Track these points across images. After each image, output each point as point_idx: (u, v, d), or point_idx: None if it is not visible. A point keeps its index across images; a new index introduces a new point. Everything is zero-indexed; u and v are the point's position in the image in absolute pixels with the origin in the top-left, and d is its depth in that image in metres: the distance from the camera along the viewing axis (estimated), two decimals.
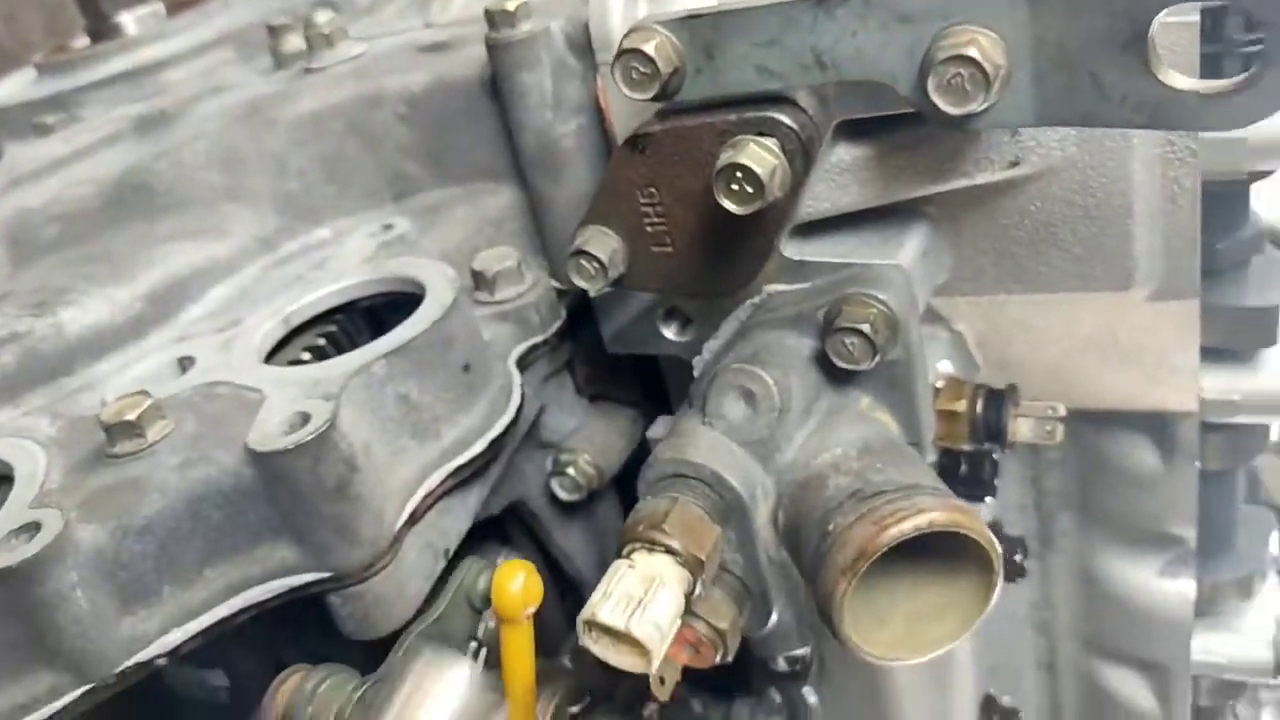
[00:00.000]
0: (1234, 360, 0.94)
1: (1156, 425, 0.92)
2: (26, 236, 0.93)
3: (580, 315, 0.91)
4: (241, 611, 0.68)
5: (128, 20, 1.24)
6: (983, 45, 0.58)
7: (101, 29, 1.25)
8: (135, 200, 0.92)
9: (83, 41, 1.30)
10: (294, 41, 1.12)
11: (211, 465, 0.66)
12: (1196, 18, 0.67)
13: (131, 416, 0.67)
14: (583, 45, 0.87)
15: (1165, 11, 0.55)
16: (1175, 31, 0.67)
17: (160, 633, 0.66)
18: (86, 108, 1.14)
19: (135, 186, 0.92)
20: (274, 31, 1.14)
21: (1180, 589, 1.02)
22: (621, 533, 0.66)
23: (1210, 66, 0.74)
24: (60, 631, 0.63)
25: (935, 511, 0.61)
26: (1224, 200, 0.89)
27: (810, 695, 0.96)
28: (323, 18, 0.99)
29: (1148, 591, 1.03)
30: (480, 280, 0.85)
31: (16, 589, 0.61)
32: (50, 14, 1.93)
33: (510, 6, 0.84)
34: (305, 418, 0.66)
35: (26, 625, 0.62)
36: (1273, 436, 1.05)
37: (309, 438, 0.64)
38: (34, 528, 0.62)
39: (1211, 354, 0.92)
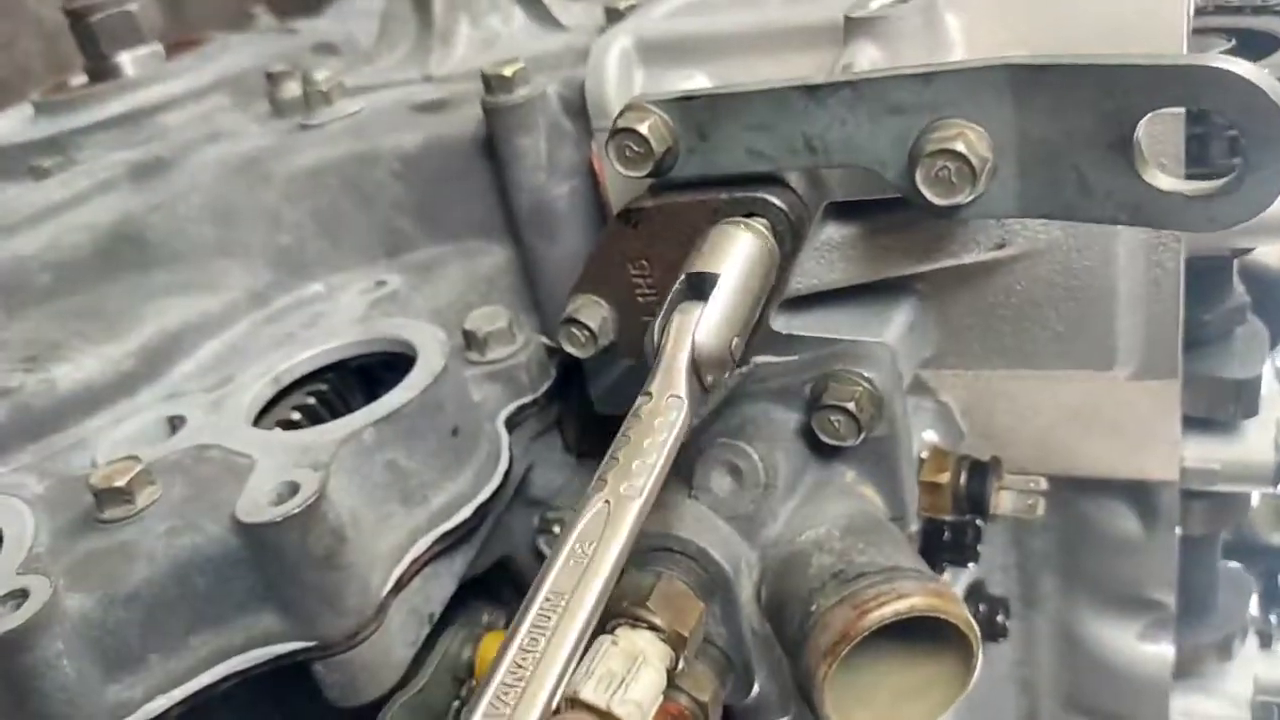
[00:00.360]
0: (1216, 429, 0.95)
1: (1138, 493, 0.93)
2: (20, 284, 0.93)
3: (570, 373, 0.92)
4: (226, 679, 0.68)
5: (126, 60, 1.24)
6: (970, 140, 0.59)
7: (100, 69, 1.25)
8: (129, 252, 0.92)
9: (80, 79, 1.30)
10: (292, 89, 1.13)
11: (199, 534, 0.66)
12: (1182, 110, 0.69)
13: (121, 483, 0.67)
14: (578, 108, 0.88)
15: None
16: (1162, 121, 0.69)
17: (145, 700, 0.66)
18: (83, 150, 1.14)
19: (129, 238, 0.92)
20: (272, 79, 1.14)
21: (1159, 652, 1.03)
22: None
23: (1198, 146, 0.76)
24: (45, 699, 0.63)
25: (916, 596, 0.62)
26: (1209, 274, 0.91)
27: None
28: (321, 74, 1.00)
29: (1128, 653, 1.04)
30: (471, 340, 0.86)
31: (1, 656, 0.61)
32: (49, 42, 1.94)
33: (507, 72, 0.85)
34: (294, 488, 0.66)
35: (11, 692, 0.62)
36: (1254, 503, 1.06)
37: (297, 510, 0.64)
38: (21, 595, 0.62)
39: (1194, 423, 0.93)
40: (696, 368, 0.60)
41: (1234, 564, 1.22)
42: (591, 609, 0.50)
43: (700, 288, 0.62)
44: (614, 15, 1.01)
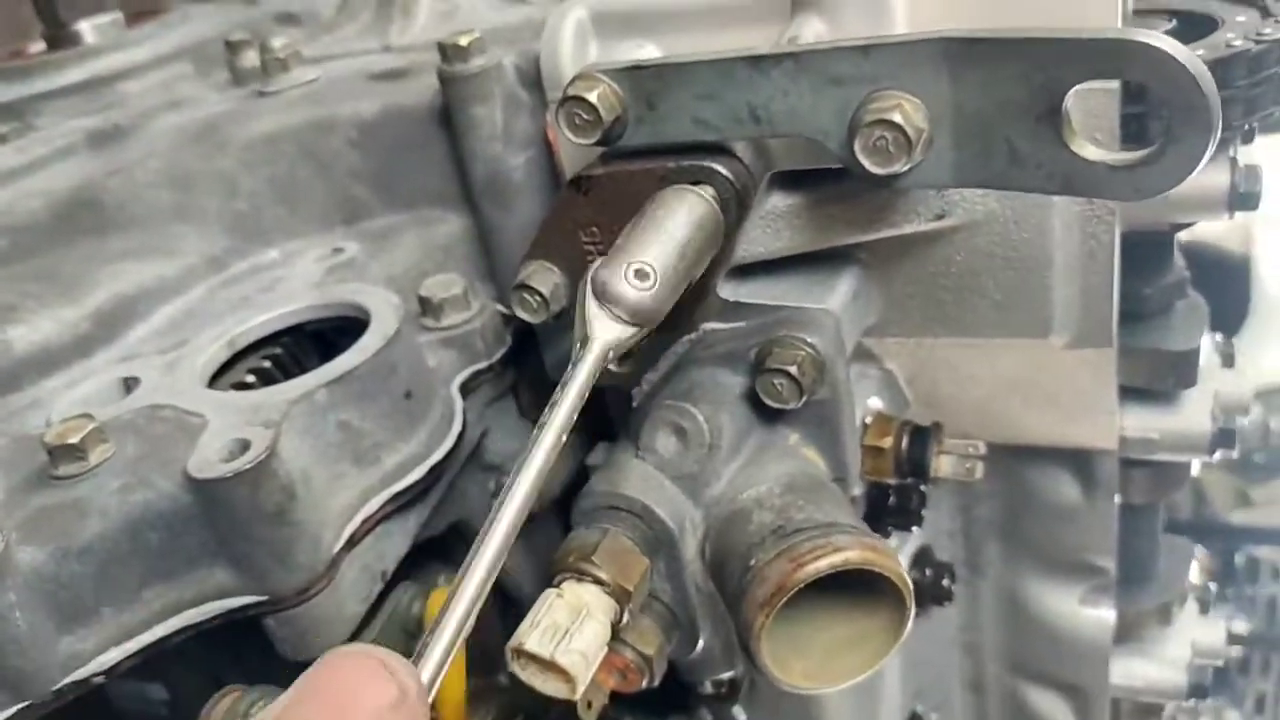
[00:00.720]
0: (1156, 400, 0.98)
1: (1078, 461, 0.96)
2: None
3: (526, 340, 0.93)
4: (178, 632, 0.69)
5: (86, 28, 1.24)
6: (906, 110, 0.61)
7: (59, 36, 1.25)
8: (86, 217, 0.93)
9: (40, 47, 1.30)
10: (251, 58, 1.13)
11: (151, 490, 0.67)
12: (1117, 84, 0.71)
13: (74, 440, 0.68)
14: (534, 79, 0.89)
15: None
16: (1096, 97, 0.71)
17: (97, 652, 0.67)
18: (42, 116, 1.14)
19: (86, 203, 0.93)
20: (232, 47, 1.14)
21: (1100, 616, 1.06)
22: (551, 562, 0.69)
23: (1136, 124, 0.78)
24: None
25: (851, 550, 0.64)
26: (1150, 248, 0.93)
27: (740, 715, 0.99)
28: (278, 41, 1.01)
29: (1070, 618, 1.07)
30: (426, 306, 0.87)
31: None
32: (8, 9, 1.91)
33: (464, 41, 0.86)
34: (245, 445, 0.67)
35: None
36: (1194, 472, 1.09)
37: (247, 466, 0.65)
38: None
39: (1134, 393, 0.96)
40: (602, 303, 0.61)
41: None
42: (502, 538, 0.51)
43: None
44: None
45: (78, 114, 1.14)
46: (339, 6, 1.19)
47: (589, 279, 0.61)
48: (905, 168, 0.62)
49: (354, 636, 0.74)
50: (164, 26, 1.27)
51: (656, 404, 0.74)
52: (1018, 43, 0.58)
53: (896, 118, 0.61)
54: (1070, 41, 0.56)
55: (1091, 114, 0.71)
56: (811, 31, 0.71)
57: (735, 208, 0.69)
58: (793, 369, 0.71)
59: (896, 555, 0.66)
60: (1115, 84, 0.71)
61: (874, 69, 0.62)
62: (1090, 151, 0.59)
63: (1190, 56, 0.54)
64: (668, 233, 0.65)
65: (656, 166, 0.70)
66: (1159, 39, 0.54)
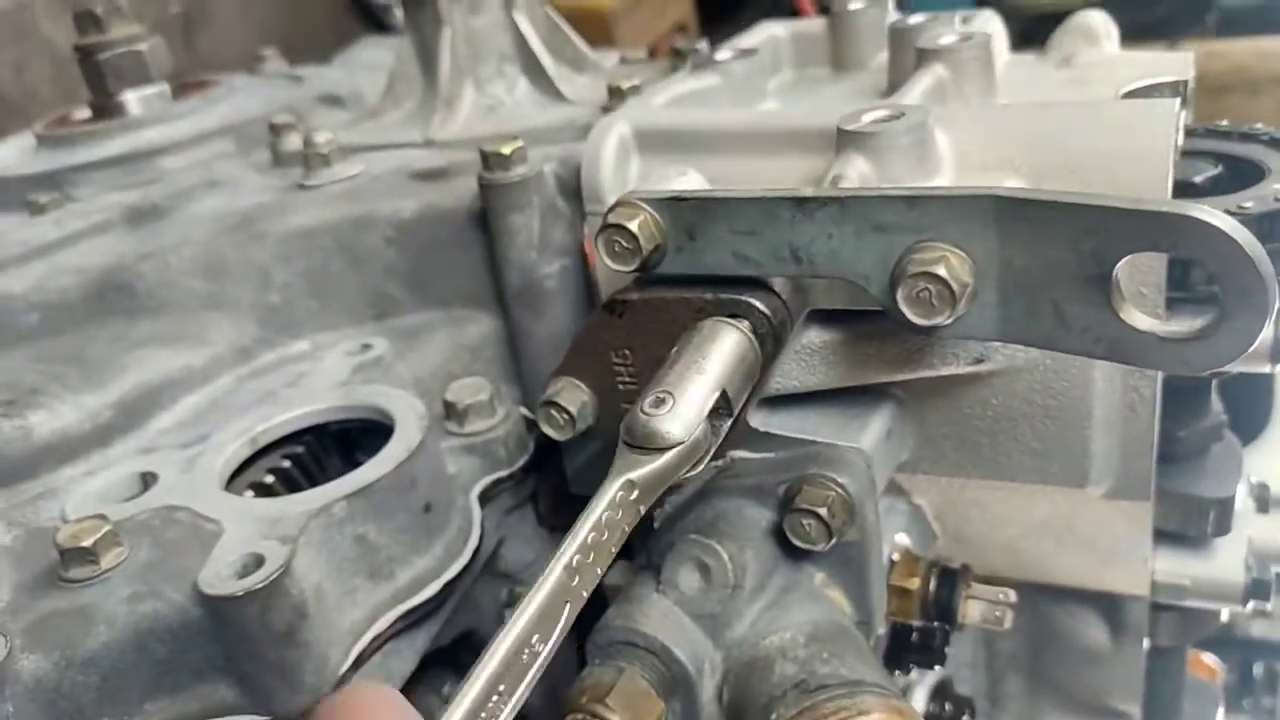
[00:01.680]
0: (1188, 545, 0.95)
1: (1107, 604, 0.93)
2: (5, 322, 0.93)
3: (547, 447, 0.92)
4: None
5: (132, 99, 1.25)
6: (952, 264, 0.60)
7: (105, 105, 1.26)
8: (116, 298, 0.93)
9: (84, 113, 1.31)
10: (294, 141, 1.14)
11: (161, 601, 0.66)
12: None
13: (87, 543, 0.67)
14: (573, 188, 0.89)
15: None
16: (1145, 257, 0.69)
17: None
18: (80, 188, 1.15)
19: (118, 285, 0.93)
20: (275, 130, 1.15)
21: None
22: (564, 700, 0.66)
23: (1180, 270, 0.77)
24: None
25: (876, 713, 0.61)
26: (1188, 392, 0.91)
27: None
28: (322, 137, 1.01)
29: None
30: (451, 411, 0.86)
31: None
32: (59, 67, 1.95)
33: (506, 150, 0.86)
34: (259, 560, 0.66)
35: None
36: (1223, 619, 1.06)
37: (260, 585, 0.64)
38: None
39: (1167, 537, 0.94)
40: (626, 440, 0.60)
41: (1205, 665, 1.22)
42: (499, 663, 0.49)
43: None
44: (616, 93, 1.03)
45: (117, 187, 1.15)
46: (384, 93, 1.20)
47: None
48: (948, 320, 0.61)
49: None
50: (208, 101, 1.28)
51: (680, 535, 0.72)
52: (1069, 208, 0.57)
53: (941, 271, 0.60)
54: (1123, 212, 0.55)
55: (1138, 266, 0.70)
56: (856, 172, 0.70)
57: (771, 343, 0.68)
58: (823, 510, 0.69)
59: (920, 717, 0.64)
60: None
61: (920, 219, 0.61)
62: (1140, 321, 0.57)
63: (1247, 237, 0.53)
64: (700, 363, 0.64)
65: (694, 297, 0.69)
66: (1215, 215, 0.53)
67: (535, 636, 0.49)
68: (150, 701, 0.67)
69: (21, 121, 1.47)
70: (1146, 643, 0.97)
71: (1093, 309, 0.58)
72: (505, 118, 1.12)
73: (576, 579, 0.52)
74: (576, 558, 0.53)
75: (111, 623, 0.65)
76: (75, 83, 1.34)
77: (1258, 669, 2.24)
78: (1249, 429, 1.18)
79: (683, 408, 0.61)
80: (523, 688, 0.47)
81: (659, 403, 0.62)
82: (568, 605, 0.50)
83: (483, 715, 0.46)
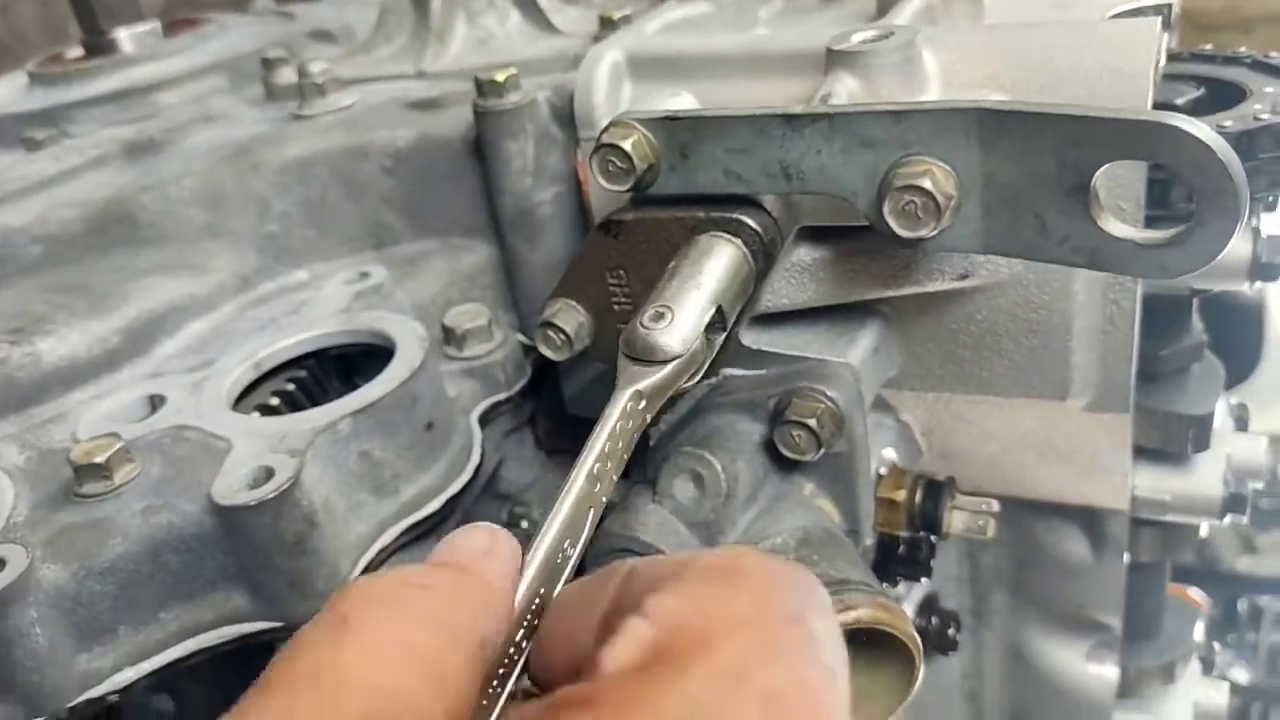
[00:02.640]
0: (1168, 461, 0.98)
1: (1088, 519, 0.96)
2: (8, 255, 0.94)
3: (545, 371, 0.94)
4: (194, 654, 0.70)
5: (124, 37, 1.25)
6: (936, 177, 0.61)
7: (97, 43, 1.26)
8: (118, 229, 0.94)
9: (77, 52, 1.31)
10: (286, 75, 1.15)
11: (174, 513, 0.68)
12: None
13: (100, 459, 0.69)
14: (566, 115, 0.90)
15: None
16: (1124, 167, 0.71)
17: (113, 670, 0.68)
18: (76, 124, 1.16)
19: (119, 216, 0.94)
20: (268, 64, 1.16)
21: (1103, 672, 1.06)
22: None
23: (1159, 190, 0.79)
24: (15, 665, 0.65)
25: (863, 609, 0.64)
26: (1169, 311, 0.94)
27: None
28: (316, 66, 1.02)
29: (1072, 672, 1.07)
30: (450, 336, 0.88)
31: None
32: (45, 6, 1.94)
33: (499, 77, 0.87)
34: (269, 473, 0.68)
35: None
36: (1202, 534, 1.09)
37: (272, 495, 0.66)
38: None
39: (1147, 454, 0.96)
40: (627, 353, 0.62)
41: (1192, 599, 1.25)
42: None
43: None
44: (608, 24, 1.04)
45: (112, 123, 1.16)
46: (375, 27, 1.20)
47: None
48: (933, 232, 0.62)
49: None
50: (200, 38, 1.29)
51: (675, 449, 0.75)
52: (1050, 118, 0.58)
53: (926, 184, 0.61)
54: (1102, 121, 0.56)
55: (1118, 182, 0.72)
56: (845, 90, 0.71)
57: (762, 259, 0.70)
58: (812, 422, 0.71)
59: (907, 615, 0.67)
60: None
61: (906, 134, 0.62)
62: (1117, 229, 0.59)
63: (1221, 143, 0.54)
64: (696, 278, 0.66)
65: (687, 216, 0.71)
66: (1191, 123, 0.55)
67: (566, 542, 0.51)
68: (165, 610, 0.70)
69: (10, 62, 1.47)
70: (1127, 557, 1.01)
71: (1073, 219, 0.60)
72: (497, 50, 1.12)
73: (598, 485, 0.54)
74: (596, 465, 0.55)
75: (127, 534, 0.68)
76: (62, 22, 1.34)
77: (1242, 605, 2.29)
78: (1240, 368, 1.20)
79: (680, 321, 0.63)
80: (558, 591, 0.50)
81: (658, 317, 0.64)
82: (591, 510, 0.52)
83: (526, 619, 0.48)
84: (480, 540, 0.44)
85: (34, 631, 0.64)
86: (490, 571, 0.42)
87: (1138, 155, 0.57)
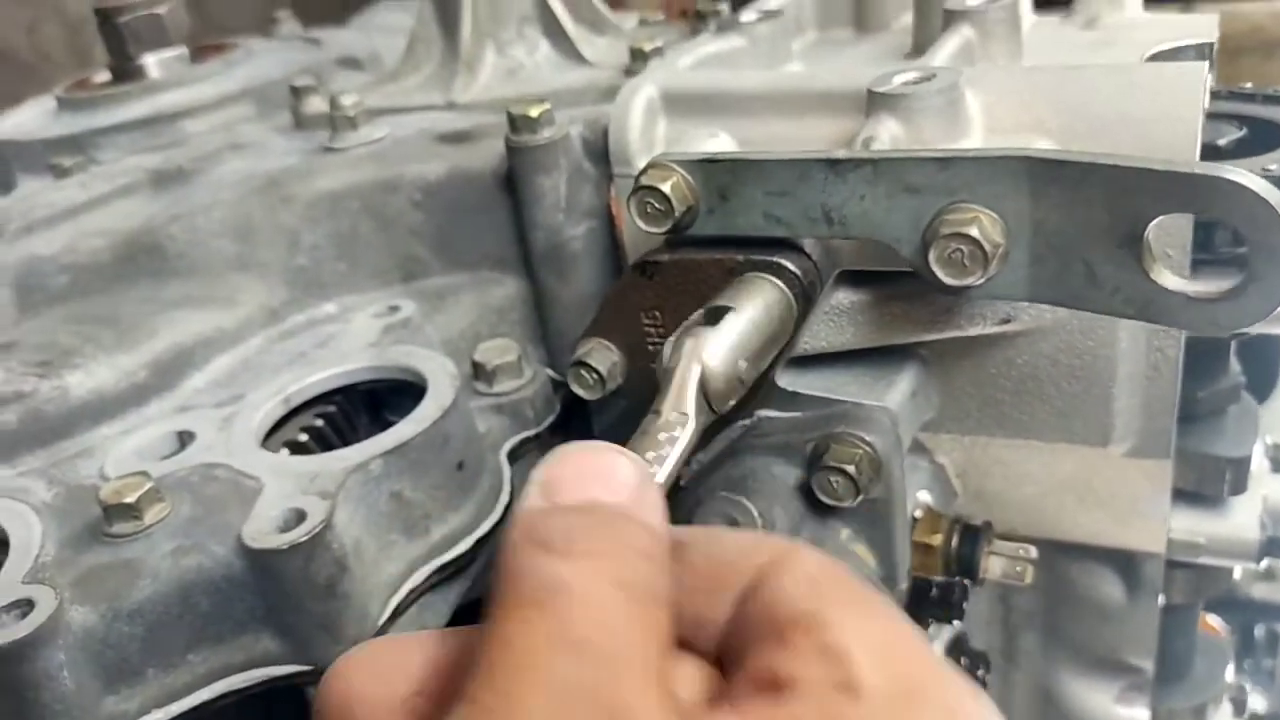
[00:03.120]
0: (1204, 503, 0.97)
1: (1123, 561, 0.95)
2: (36, 284, 0.94)
3: (573, 407, 0.93)
4: (221, 697, 0.69)
5: (151, 62, 1.25)
6: (984, 225, 0.61)
7: (125, 68, 1.26)
8: (146, 260, 0.94)
9: (104, 76, 1.31)
10: (315, 104, 1.14)
11: (204, 554, 0.67)
12: None
13: (131, 499, 0.68)
14: (599, 150, 0.90)
15: None
16: (1172, 219, 0.70)
17: (140, 713, 0.67)
18: (103, 150, 1.16)
19: (148, 247, 0.94)
20: (296, 92, 1.16)
21: (1134, 715, 1.04)
22: None
23: (1203, 233, 0.77)
24: (43, 708, 0.64)
25: None
26: (1207, 353, 0.93)
27: None
28: (349, 99, 1.02)
29: (1103, 715, 1.05)
30: (480, 371, 0.87)
31: (3, 666, 0.62)
32: (71, 29, 1.95)
33: (533, 113, 0.86)
34: (301, 515, 0.67)
35: (8, 701, 0.63)
36: (1236, 576, 1.08)
37: (304, 538, 0.65)
38: (27, 605, 0.63)
39: (1183, 495, 0.95)
40: (705, 388, 0.59)
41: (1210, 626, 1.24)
42: None
43: (715, 318, 0.63)
44: (639, 55, 1.03)
45: (140, 150, 1.16)
46: (404, 56, 1.20)
47: (700, 364, 0.60)
48: (979, 280, 0.62)
49: None
50: (228, 64, 1.28)
51: (708, 493, 0.74)
52: (1101, 169, 0.57)
53: (973, 231, 0.60)
54: (1157, 174, 0.56)
55: (1165, 229, 0.70)
56: (887, 133, 0.71)
57: (801, 303, 0.69)
58: (850, 468, 0.70)
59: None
60: None
61: (952, 180, 0.62)
62: (1170, 281, 0.58)
63: (1277, 196, 0.53)
64: (762, 327, 0.65)
65: (725, 258, 0.70)
66: (1247, 177, 0.54)
67: None
68: (194, 652, 0.69)
69: (35, 84, 1.47)
70: (1161, 599, 0.99)
71: (1124, 269, 0.59)
72: (526, 80, 1.12)
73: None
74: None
75: (156, 576, 0.67)
76: (88, 45, 1.35)
77: (1259, 631, 2.27)
78: (1260, 388, 1.19)
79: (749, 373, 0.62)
80: None
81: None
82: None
83: None
84: (630, 474, 0.40)
85: (62, 675, 0.63)
86: (655, 520, 0.40)
87: (1191, 209, 0.56)
